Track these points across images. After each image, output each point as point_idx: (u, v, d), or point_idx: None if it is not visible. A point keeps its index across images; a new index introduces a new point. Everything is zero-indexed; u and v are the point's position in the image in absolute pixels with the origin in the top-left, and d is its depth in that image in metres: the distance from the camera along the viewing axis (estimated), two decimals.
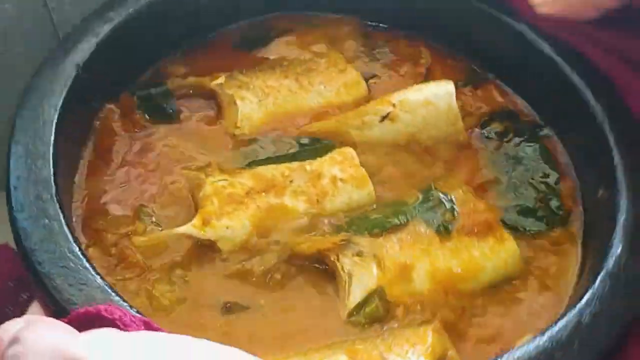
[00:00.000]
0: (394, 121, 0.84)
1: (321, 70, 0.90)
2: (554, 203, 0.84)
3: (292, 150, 0.84)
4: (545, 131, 0.89)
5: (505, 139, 0.88)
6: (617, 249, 0.72)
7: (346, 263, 0.74)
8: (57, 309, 0.65)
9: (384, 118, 0.84)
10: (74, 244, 0.67)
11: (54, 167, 0.72)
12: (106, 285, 0.66)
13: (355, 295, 0.73)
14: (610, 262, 0.72)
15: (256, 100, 0.86)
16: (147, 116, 0.85)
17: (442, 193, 0.80)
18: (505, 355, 0.65)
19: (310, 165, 0.81)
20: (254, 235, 0.76)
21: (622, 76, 0.82)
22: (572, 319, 0.68)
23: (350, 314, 0.73)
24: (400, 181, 0.83)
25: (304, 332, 0.72)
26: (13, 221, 0.69)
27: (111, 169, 0.81)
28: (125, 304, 0.65)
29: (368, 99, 0.89)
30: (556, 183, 0.85)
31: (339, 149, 0.83)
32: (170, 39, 0.91)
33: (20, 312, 0.68)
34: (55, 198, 0.70)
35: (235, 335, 0.71)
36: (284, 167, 0.80)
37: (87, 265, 0.67)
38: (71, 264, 0.66)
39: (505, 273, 0.78)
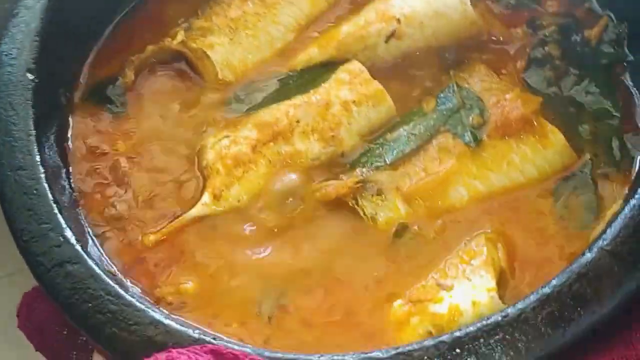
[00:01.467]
0: (400, 39, 0.75)
1: None
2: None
3: (292, 83, 0.75)
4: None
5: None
6: None
7: (366, 206, 0.68)
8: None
9: (389, 38, 0.74)
10: (108, 282, 0.62)
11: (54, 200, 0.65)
12: (155, 314, 0.60)
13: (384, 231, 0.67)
14: None
15: (227, 40, 0.77)
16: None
17: (464, 90, 0.71)
18: None
19: (316, 94, 0.73)
20: (269, 192, 0.70)
21: None
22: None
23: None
24: (417, 88, 0.74)
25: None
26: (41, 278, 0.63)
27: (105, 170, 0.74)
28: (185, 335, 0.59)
29: None
30: None
31: (343, 66, 0.74)
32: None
33: (86, 356, 0.66)
34: (74, 242, 0.64)
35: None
36: (287, 106, 0.73)
37: (129, 302, 0.61)
38: (112, 307, 0.60)
39: (554, 171, 0.69)
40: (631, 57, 0.74)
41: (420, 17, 0.75)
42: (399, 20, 0.75)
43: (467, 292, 0.63)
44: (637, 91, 0.72)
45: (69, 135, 0.74)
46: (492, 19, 0.77)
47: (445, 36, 0.75)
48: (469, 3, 0.74)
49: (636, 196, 0.61)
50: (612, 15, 0.76)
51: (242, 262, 0.67)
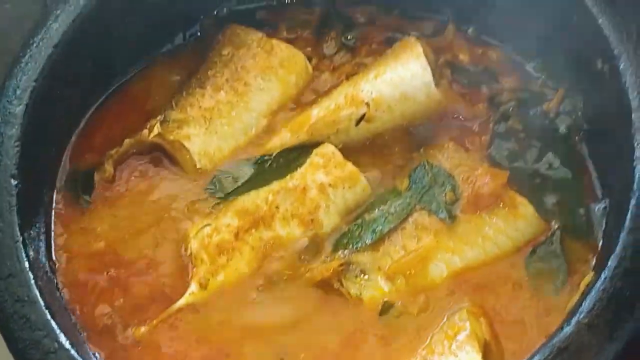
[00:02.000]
0: (370, 122, 0.77)
1: (248, 62, 0.81)
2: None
3: (267, 167, 0.77)
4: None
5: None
6: None
7: (351, 287, 0.71)
8: None
9: (359, 121, 0.77)
10: None
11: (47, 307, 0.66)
12: None
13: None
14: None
15: (203, 131, 0.78)
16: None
17: (435, 167, 0.75)
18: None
19: (292, 180, 0.75)
20: (257, 277, 0.72)
21: None
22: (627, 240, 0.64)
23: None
24: (389, 167, 0.77)
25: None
26: None
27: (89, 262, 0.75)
28: None
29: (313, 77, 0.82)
30: None
31: (316, 149, 0.77)
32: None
33: None
34: (69, 347, 0.64)
35: None
36: (265, 192, 0.75)
37: None
38: None
39: (526, 241, 0.73)
40: (587, 126, 0.78)
41: (388, 101, 0.77)
42: (368, 105, 0.77)
43: None
44: (592, 161, 0.76)
45: (52, 235, 0.74)
46: (455, 97, 0.80)
47: (413, 116, 0.78)
48: (433, 85, 0.77)
49: (607, 268, 0.63)
50: (565, 88, 0.79)
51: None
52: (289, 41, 0.83)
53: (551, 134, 0.78)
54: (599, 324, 0.61)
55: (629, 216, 0.65)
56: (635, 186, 0.66)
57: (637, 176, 0.66)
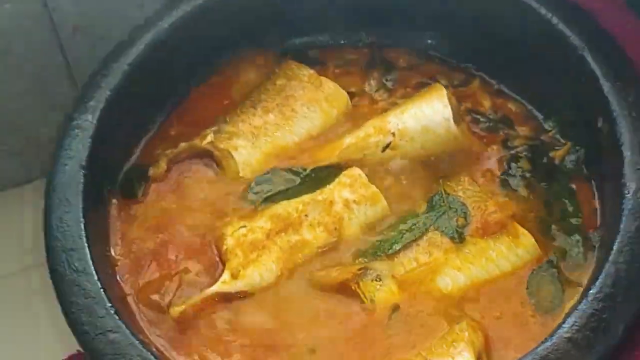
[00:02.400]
0: (394, 150, 0.87)
1: (298, 93, 0.92)
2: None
3: (301, 182, 0.87)
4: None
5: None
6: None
7: (367, 290, 0.78)
8: None
9: (384, 148, 0.87)
10: (142, 349, 0.71)
11: (99, 280, 0.75)
12: None
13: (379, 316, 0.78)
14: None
15: (249, 144, 0.88)
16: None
17: (451, 196, 0.83)
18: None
19: (322, 194, 0.84)
20: (282, 275, 0.80)
21: None
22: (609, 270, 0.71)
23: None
24: (409, 192, 0.86)
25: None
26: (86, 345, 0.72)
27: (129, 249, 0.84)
28: None
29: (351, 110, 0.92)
30: None
31: (345, 171, 0.86)
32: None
33: None
34: (115, 314, 0.73)
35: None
36: (296, 203, 0.83)
37: None
38: None
39: (525, 266, 0.81)
40: (587, 172, 0.87)
41: (411, 132, 0.87)
42: (393, 134, 0.86)
43: None
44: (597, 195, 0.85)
45: (108, 220, 0.85)
46: (472, 137, 0.89)
47: (432, 148, 0.87)
48: (452, 121, 0.86)
49: (590, 290, 0.71)
50: (571, 142, 0.89)
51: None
52: (336, 76, 0.93)
53: (557, 176, 0.87)
54: (578, 339, 0.69)
55: (613, 251, 0.73)
56: (621, 226, 0.75)
57: (623, 218, 0.75)
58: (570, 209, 0.84)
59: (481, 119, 0.91)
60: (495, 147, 0.89)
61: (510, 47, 0.91)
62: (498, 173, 0.87)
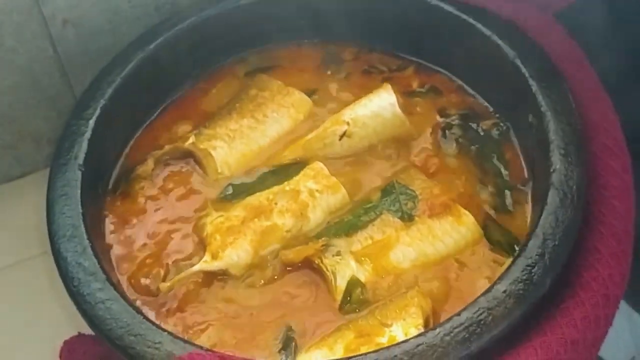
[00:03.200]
0: (350, 137, 0.99)
1: (269, 101, 1.05)
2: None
3: (271, 177, 0.99)
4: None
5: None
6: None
7: (328, 264, 0.89)
8: None
9: (341, 137, 0.99)
10: (137, 315, 0.81)
11: (97, 260, 0.86)
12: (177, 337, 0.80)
13: (341, 286, 0.88)
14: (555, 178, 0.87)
15: (226, 145, 1.00)
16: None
17: (402, 186, 0.95)
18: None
19: (289, 185, 0.96)
20: (256, 255, 0.91)
21: None
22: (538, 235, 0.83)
23: (342, 305, 0.88)
24: (366, 181, 0.98)
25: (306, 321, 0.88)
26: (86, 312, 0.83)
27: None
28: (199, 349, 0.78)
29: (314, 111, 1.05)
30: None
31: (309, 165, 0.98)
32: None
33: None
34: (109, 285, 0.84)
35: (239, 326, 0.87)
36: (267, 193, 0.95)
37: (154, 327, 0.81)
38: (141, 330, 0.80)
39: (467, 243, 0.93)
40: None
41: (363, 119, 0.99)
42: (348, 123, 0.99)
43: (402, 327, 0.84)
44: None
45: (104, 212, 0.97)
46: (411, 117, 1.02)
47: (383, 132, 1.00)
48: (397, 106, 1.00)
49: (522, 253, 0.83)
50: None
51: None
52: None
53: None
54: (512, 290, 0.80)
55: (540, 220, 0.85)
56: (548, 195, 0.86)
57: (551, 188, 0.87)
58: (501, 166, 0.98)
59: (416, 91, 1.06)
60: (431, 115, 1.03)
61: (448, 53, 1.06)
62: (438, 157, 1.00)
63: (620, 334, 1.02)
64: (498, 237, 0.93)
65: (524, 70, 0.96)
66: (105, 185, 0.99)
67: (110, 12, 1.03)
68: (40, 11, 0.99)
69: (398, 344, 0.78)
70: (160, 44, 1.04)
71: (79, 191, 0.91)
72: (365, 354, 0.77)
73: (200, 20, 1.07)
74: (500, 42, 0.99)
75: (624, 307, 1.00)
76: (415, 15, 1.06)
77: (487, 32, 1.00)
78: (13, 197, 1.13)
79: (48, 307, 1.00)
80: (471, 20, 1.02)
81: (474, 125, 1.02)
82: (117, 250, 0.95)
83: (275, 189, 0.96)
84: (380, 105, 1.01)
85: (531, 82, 0.95)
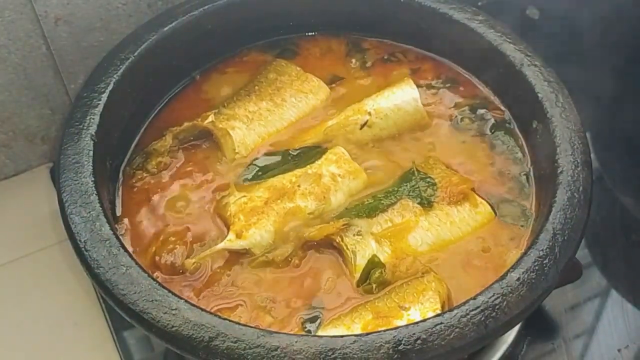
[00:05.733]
0: (371, 127, 1.02)
1: (287, 85, 1.07)
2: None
3: (292, 160, 1.01)
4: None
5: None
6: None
7: (349, 242, 0.91)
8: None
9: (362, 126, 1.01)
10: (152, 281, 0.82)
11: (110, 226, 0.86)
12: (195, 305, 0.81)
13: (361, 265, 0.90)
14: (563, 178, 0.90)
15: (244, 126, 1.02)
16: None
17: (421, 173, 0.98)
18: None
19: (312, 168, 0.98)
20: (278, 235, 0.93)
21: None
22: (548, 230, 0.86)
23: (359, 283, 0.90)
24: (387, 168, 1.00)
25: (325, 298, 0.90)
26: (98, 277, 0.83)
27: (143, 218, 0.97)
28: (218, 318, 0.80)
29: (331, 98, 1.07)
30: None
31: (331, 149, 1.00)
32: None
33: None
34: (125, 252, 0.84)
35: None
36: (290, 176, 0.97)
37: (170, 293, 0.81)
38: (156, 296, 0.80)
39: (482, 230, 0.95)
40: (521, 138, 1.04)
41: (385, 110, 1.02)
42: (370, 113, 1.02)
43: (420, 311, 0.86)
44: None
45: (118, 186, 0.98)
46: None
47: (403, 126, 1.03)
48: (420, 101, 1.02)
49: (534, 245, 0.86)
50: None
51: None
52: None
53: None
54: (525, 279, 0.83)
55: (550, 216, 0.88)
56: (556, 195, 0.90)
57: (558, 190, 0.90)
58: (517, 152, 1.02)
59: (433, 84, 1.09)
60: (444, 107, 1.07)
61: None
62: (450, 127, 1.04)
63: (613, 323, 1.04)
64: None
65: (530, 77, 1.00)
66: (118, 162, 0.99)
67: (102, 9, 1.03)
68: (32, 9, 0.99)
69: (417, 322, 0.80)
70: (175, 26, 1.04)
71: (91, 159, 0.91)
72: (385, 330, 0.80)
73: (223, 5, 1.09)
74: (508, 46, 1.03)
75: (616, 296, 1.06)
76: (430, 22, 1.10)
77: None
78: (6, 195, 1.12)
79: (48, 306, 1.01)
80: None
81: (486, 115, 1.05)
82: (129, 226, 0.95)
83: (298, 171, 0.98)
84: (404, 99, 1.03)
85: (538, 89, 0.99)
